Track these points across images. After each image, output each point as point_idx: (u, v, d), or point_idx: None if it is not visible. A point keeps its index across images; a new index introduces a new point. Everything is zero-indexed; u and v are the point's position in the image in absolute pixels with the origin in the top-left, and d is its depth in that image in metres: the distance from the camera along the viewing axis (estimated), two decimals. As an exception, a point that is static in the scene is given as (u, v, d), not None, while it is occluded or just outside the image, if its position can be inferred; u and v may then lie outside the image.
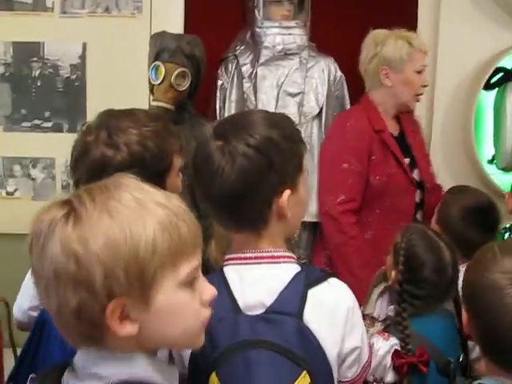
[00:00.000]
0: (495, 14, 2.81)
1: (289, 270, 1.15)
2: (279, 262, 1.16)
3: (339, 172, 2.38)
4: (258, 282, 1.13)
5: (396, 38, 2.33)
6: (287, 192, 1.14)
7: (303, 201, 1.23)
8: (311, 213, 2.70)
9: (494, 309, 1.16)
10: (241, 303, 1.12)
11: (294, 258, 1.20)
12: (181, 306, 0.87)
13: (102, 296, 0.81)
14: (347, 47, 2.81)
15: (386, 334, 1.64)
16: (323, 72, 2.82)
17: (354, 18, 2.76)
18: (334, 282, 1.17)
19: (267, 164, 1.11)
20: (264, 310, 1.11)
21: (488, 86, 2.85)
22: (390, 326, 1.67)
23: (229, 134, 1.13)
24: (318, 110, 2.79)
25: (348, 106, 2.86)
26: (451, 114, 2.86)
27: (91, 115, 2.73)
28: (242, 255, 1.17)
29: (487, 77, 2.78)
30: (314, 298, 1.12)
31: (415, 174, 2.44)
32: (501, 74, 2.85)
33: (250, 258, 1.17)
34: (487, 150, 2.92)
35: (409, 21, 2.61)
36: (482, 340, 1.22)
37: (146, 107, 2.59)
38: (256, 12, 2.80)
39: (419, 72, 2.37)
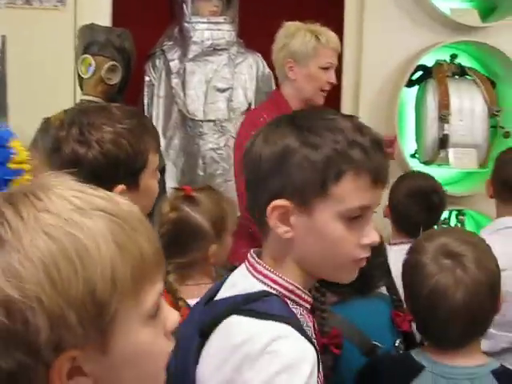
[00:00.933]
0: (416, 15, 2.92)
1: (251, 287, 0.97)
2: (254, 276, 0.99)
3: None
4: (231, 286, 1.01)
5: (305, 32, 2.27)
6: (281, 201, 0.94)
7: (327, 234, 0.95)
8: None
9: (415, 284, 1.27)
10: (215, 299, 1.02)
11: (278, 284, 0.98)
12: (147, 348, 0.67)
13: (47, 353, 0.59)
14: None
15: None
16: (251, 68, 2.84)
17: (281, 15, 2.77)
18: (262, 325, 0.91)
19: (279, 162, 0.94)
20: None
21: (410, 83, 2.95)
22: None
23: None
24: (246, 106, 2.82)
25: (276, 102, 2.91)
26: (375, 110, 2.93)
27: (13, 111, 2.67)
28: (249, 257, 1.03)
29: (409, 74, 2.88)
30: (226, 325, 0.94)
31: None
32: (421, 72, 2.96)
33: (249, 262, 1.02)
34: (410, 144, 3.03)
35: (335, 18, 2.66)
36: (415, 320, 1.33)
37: (72, 102, 2.52)
38: (184, 7, 2.79)
39: (325, 68, 2.29)
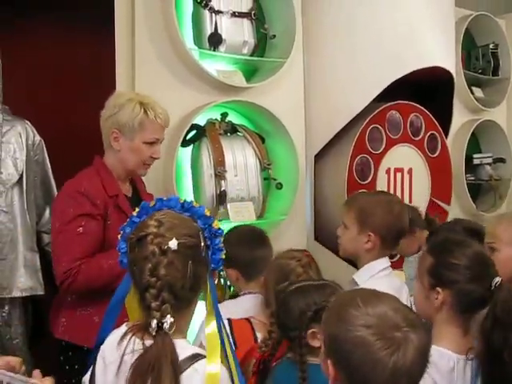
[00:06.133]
0: (186, 77, 2.99)
1: None
2: None
3: (75, 236, 2.16)
4: None
5: (135, 104, 2.23)
6: None
7: None
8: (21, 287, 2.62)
9: (365, 364, 1.23)
10: None
11: None
12: None
13: None
14: (43, 111, 2.75)
15: None
16: (20, 136, 2.70)
17: (48, 82, 2.70)
18: None
19: None
20: None
21: (185, 143, 3.02)
22: None
23: None
24: (17, 177, 2.66)
25: (50, 171, 2.80)
26: (153, 170, 2.90)
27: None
28: None
29: (183, 134, 2.94)
30: None
31: None
32: (195, 131, 3.05)
33: None
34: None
35: (108, 81, 2.62)
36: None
37: None
38: None
39: (150, 143, 2.29)
